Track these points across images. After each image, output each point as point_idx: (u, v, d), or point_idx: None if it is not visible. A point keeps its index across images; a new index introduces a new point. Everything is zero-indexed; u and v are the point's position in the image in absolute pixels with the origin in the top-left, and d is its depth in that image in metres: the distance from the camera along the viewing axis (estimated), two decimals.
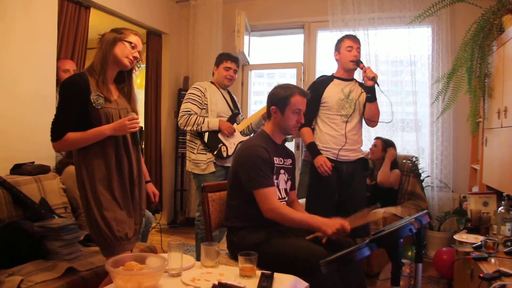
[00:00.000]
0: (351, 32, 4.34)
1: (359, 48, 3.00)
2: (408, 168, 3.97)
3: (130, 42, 2.00)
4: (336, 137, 2.95)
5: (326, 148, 2.96)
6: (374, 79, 2.84)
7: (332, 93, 2.97)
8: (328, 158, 2.92)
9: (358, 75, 3.23)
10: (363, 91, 2.99)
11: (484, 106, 3.04)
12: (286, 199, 2.39)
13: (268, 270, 1.79)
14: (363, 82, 2.96)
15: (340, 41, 3.04)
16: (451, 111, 3.95)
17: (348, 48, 2.96)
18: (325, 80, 3.05)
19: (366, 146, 4.25)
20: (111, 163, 1.97)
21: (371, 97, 2.92)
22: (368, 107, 2.97)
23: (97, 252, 2.40)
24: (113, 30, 2.04)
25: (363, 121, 3.09)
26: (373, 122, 3.05)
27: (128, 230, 2.00)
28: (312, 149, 2.95)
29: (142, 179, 2.17)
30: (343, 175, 2.95)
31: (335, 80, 3.03)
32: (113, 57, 1.98)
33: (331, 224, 2.01)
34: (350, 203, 2.89)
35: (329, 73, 3.14)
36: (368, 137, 4.32)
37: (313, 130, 3.07)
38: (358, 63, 2.96)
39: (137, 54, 2.03)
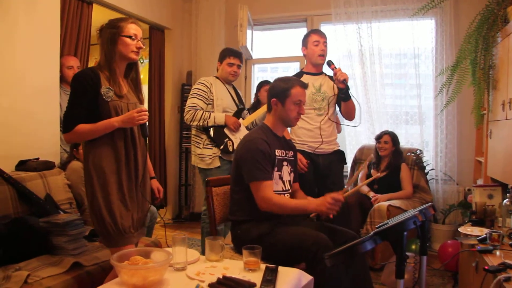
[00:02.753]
0: (354, 25, 4.37)
1: (325, 42, 3.04)
2: (413, 161, 3.95)
3: (130, 36, 1.99)
4: (312, 130, 2.99)
5: (302, 142, 3.00)
6: (344, 81, 2.85)
7: None
8: (305, 152, 2.94)
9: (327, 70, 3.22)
10: (334, 86, 3.00)
11: (488, 98, 3.02)
12: (290, 191, 2.41)
13: (273, 261, 1.80)
14: (334, 83, 2.98)
15: (306, 36, 3.08)
16: (455, 103, 3.93)
17: (315, 43, 3.01)
18: (295, 76, 3.09)
19: (370, 139, 4.26)
20: (120, 155, 2.00)
21: (345, 97, 2.95)
22: (343, 105, 3.02)
23: (103, 247, 2.42)
24: (109, 25, 2.01)
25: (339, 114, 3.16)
26: (350, 117, 3.11)
27: (132, 223, 2.02)
28: None
29: (146, 173, 2.19)
30: (320, 167, 2.99)
31: (305, 76, 3.06)
32: (118, 55, 2.00)
33: (323, 203, 2.06)
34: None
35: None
36: (372, 130, 4.32)
37: None
38: (329, 63, 2.99)
39: (140, 44, 2.03)
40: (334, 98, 3.04)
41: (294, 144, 2.95)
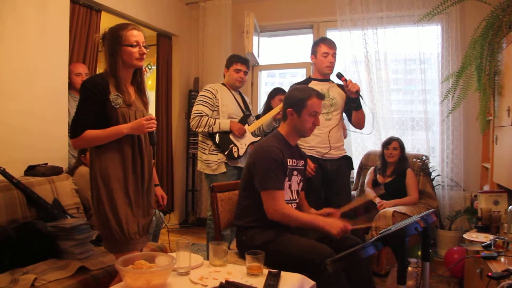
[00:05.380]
0: (360, 32, 4.38)
1: (335, 53, 3.06)
2: (418, 167, 3.94)
3: (131, 44, 2.00)
4: (320, 135, 3.01)
5: (310, 147, 3.02)
6: (357, 92, 2.90)
7: None
8: (313, 157, 2.97)
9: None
10: (343, 91, 3.05)
11: (494, 104, 3.02)
12: (297, 200, 2.41)
13: (276, 269, 1.81)
14: (346, 93, 3.01)
15: (316, 45, 3.10)
16: (462, 109, 3.93)
17: (324, 54, 3.03)
18: (303, 83, 3.14)
19: (376, 145, 4.26)
20: (127, 162, 2.02)
21: (357, 106, 3.00)
22: (354, 114, 3.07)
23: (109, 252, 2.45)
24: (110, 33, 2.02)
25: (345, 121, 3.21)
26: (360, 126, 3.15)
27: (138, 229, 2.04)
28: None
29: (151, 179, 2.21)
30: (327, 172, 3.01)
31: (313, 82, 3.10)
32: (122, 64, 2.01)
33: (335, 225, 2.06)
34: (335, 200, 2.95)
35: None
36: (378, 136, 4.32)
37: None
38: (339, 76, 3.03)
39: (143, 50, 2.03)
40: (343, 103, 3.07)
41: (303, 149, 2.97)
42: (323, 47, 3.04)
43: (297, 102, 2.29)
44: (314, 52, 3.11)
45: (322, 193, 3.01)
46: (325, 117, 3.03)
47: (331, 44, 3.06)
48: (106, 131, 1.96)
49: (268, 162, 2.19)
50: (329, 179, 3.03)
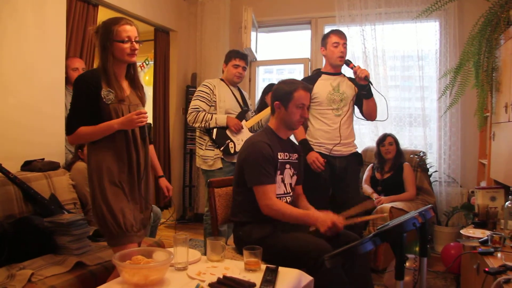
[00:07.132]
0: (358, 28, 4.37)
1: (345, 43, 3.00)
2: (416, 163, 3.95)
3: (123, 40, 1.97)
4: (329, 132, 2.96)
5: (319, 144, 2.98)
6: (366, 78, 2.84)
7: (321, 88, 2.99)
8: (322, 153, 2.93)
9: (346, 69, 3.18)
10: (355, 86, 2.99)
11: (491, 100, 3.02)
12: (291, 194, 2.41)
13: (274, 263, 1.81)
14: (355, 79, 2.94)
15: (326, 37, 3.04)
16: (459, 105, 3.93)
17: (335, 44, 2.97)
18: (313, 77, 3.09)
19: (374, 141, 4.25)
20: (121, 157, 2.02)
21: (367, 94, 2.93)
22: (365, 103, 2.99)
23: (106, 247, 2.44)
24: (102, 28, 1.99)
25: (359, 115, 3.11)
26: (372, 117, 3.06)
27: (134, 222, 2.04)
28: (304, 146, 2.95)
29: (149, 174, 2.20)
30: (336, 169, 2.97)
31: (323, 76, 3.05)
32: (114, 59, 2.00)
33: (324, 222, 2.05)
34: (343, 197, 2.91)
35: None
36: (376, 132, 4.32)
37: (305, 127, 3.10)
38: (347, 63, 2.97)
39: (134, 45, 2.00)
40: (354, 98, 3.01)
41: (312, 145, 2.95)
42: (333, 37, 2.97)
43: (283, 95, 2.29)
44: (324, 44, 3.04)
45: (329, 190, 2.97)
46: (335, 113, 2.97)
47: (341, 34, 3.00)
48: (98, 127, 1.96)
49: (257, 157, 2.19)
50: (338, 176, 2.98)
